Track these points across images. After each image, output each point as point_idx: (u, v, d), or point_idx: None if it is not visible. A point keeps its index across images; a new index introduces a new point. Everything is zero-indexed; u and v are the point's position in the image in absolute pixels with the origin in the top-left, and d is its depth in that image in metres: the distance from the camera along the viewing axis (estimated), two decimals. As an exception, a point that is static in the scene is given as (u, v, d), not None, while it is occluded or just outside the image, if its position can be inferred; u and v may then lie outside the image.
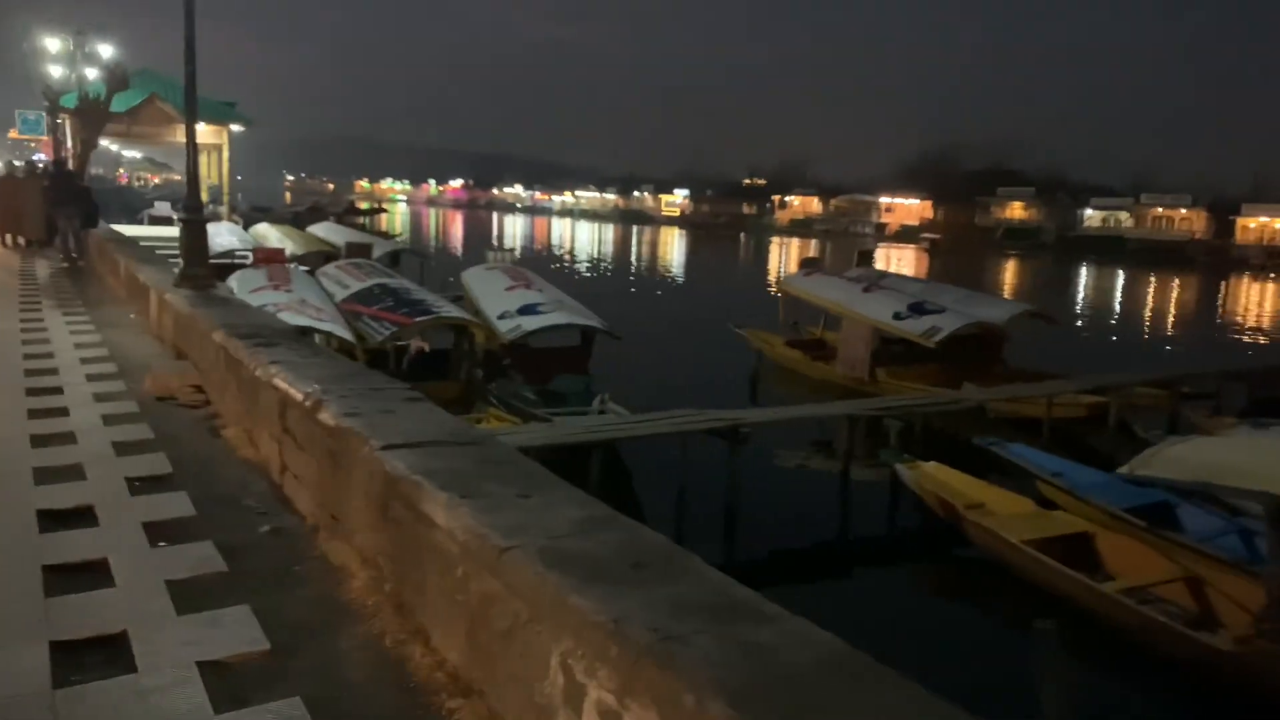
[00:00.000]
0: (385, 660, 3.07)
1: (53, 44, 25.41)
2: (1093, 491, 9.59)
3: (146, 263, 12.31)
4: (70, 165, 24.71)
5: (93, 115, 24.53)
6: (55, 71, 25.87)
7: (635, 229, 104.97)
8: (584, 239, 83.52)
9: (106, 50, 25.40)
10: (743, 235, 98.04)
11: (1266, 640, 6.77)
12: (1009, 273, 59.24)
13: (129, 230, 24.12)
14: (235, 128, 34.41)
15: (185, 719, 2.72)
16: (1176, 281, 56.51)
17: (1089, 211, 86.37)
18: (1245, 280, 59.69)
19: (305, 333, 9.36)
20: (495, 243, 68.79)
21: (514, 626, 2.52)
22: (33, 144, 39.42)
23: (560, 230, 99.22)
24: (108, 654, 3.08)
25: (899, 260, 59.56)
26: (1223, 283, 56.86)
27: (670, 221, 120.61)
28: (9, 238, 20.17)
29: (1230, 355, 25.31)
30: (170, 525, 4.29)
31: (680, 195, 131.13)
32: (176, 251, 11.10)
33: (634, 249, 72.92)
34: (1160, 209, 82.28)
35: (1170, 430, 13.30)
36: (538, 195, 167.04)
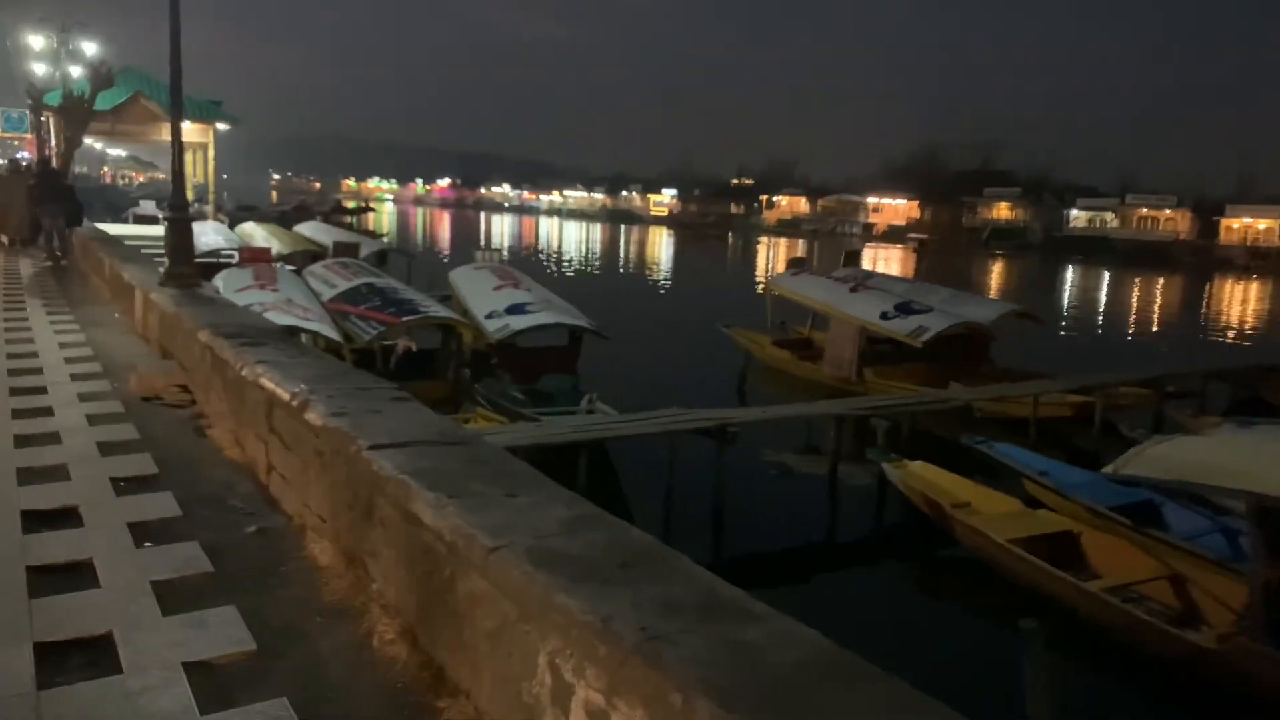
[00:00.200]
0: (372, 660, 3.07)
1: (36, 41, 25.25)
2: (1078, 490, 9.65)
3: (131, 262, 12.24)
4: (54, 163, 24.55)
5: (77, 113, 24.36)
6: (39, 69, 25.70)
7: (623, 229, 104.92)
8: (572, 239, 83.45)
9: (91, 48, 25.26)
10: (730, 235, 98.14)
11: (1248, 637, 6.82)
12: (995, 273, 59.49)
13: (114, 229, 23.99)
14: (221, 126, 34.24)
15: (171, 720, 2.71)
16: (1161, 282, 56.85)
17: (1075, 212, 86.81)
18: (1229, 281, 60.11)
19: (292, 332, 9.34)
20: (483, 242, 68.68)
21: (502, 626, 2.52)
22: (16, 142, 39.14)
23: (548, 230, 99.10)
24: (93, 655, 3.07)
25: (886, 260, 59.75)
26: (1207, 283, 57.24)
27: (658, 221, 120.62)
28: (-7, 236, 20.02)
29: (1214, 355, 25.48)
30: (156, 526, 4.27)
31: (668, 195, 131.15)
32: (162, 250, 11.06)
33: (622, 249, 72.89)
34: (1145, 209, 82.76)
35: (1155, 429, 13.38)
36: (525, 195, 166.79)
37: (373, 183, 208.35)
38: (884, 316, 17.38)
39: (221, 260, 20.34)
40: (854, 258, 24.93)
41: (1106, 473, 8.03)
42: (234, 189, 67.61)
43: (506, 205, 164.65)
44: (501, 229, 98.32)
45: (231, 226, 29.41)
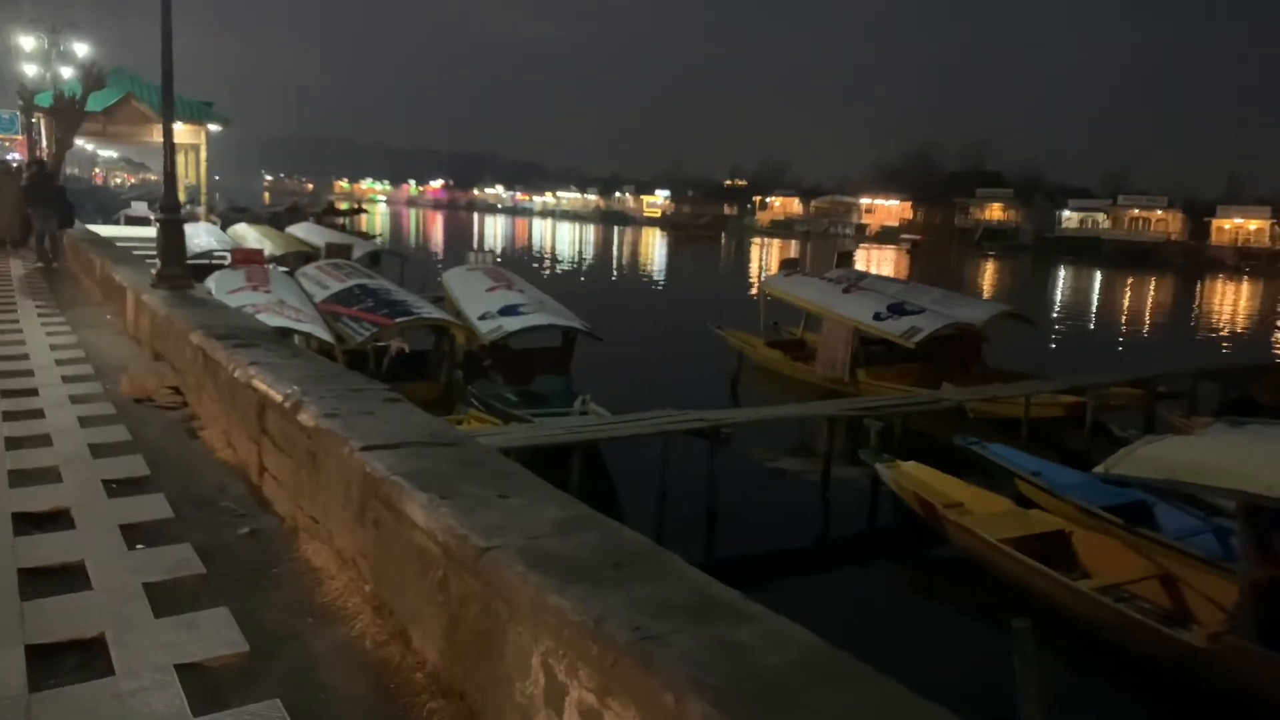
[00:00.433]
0: (365, 662, 3.07)
1: (27, 42, 25.15)
2: (1070, 491, 9.68)
3: (123, 263, 12.21)
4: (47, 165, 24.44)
5: (68, 115, 24.27)
6: (30, 70, 25.61)
7: (616, 230, 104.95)
8: (565, 240, 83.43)
9: (82, 49, 25.18)
10: (723, 236, 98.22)
11: (1238, 636, 6.85)
12: (988, 274, 59.64)
13: (105, 230, 23.90)
14: (213, 127, 34.19)
15: (163, 722, 2.71)
16: (1152, 282, 57.08)
17: (1066, 213, 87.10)
18: (1220, 281, 60.38)
19: (284, 334, 9.31)
20: (476, 243, 68.63)
21: (495, 627, 2.53)
22: (7, 143, 39.00)
23: (541, 231, 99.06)
24: (85, 657, 3.06)
25: (879, 261, 59.87)
26: (1198, 283, 57.48)
27: (651, 222, 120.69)
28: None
29: (1205, 355, 25.58)
30: (148, 527, 4.26)
31: (661, 196, 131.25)
32: (153, 252, 11.02)
33: (615, 250, 72.89)
34: (1137, 210, 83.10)
35: (1146, 430, 13.43)
36: (519, 196, 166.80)
37: (365, 184, 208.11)
38: (877, 317, 17.41)
39: (214, 262, 20.28)
40: (847, 259, 24.97)
41: (1098, 472, 8.05)
42: (226, 190, 67.39)
43: (500, 206, 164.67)
44: (495, 230, 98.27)
45: (224, 228, 29.34)
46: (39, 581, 3.64)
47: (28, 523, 4.27)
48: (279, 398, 4.42)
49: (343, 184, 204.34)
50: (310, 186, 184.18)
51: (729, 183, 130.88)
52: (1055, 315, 36.55)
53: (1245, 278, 62.80)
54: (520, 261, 47.70)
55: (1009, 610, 5.79)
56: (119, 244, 17.50)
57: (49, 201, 17.35)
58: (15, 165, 24.89)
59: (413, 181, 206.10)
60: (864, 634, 5.55)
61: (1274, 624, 6.66)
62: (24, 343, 9.09)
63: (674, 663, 1.96)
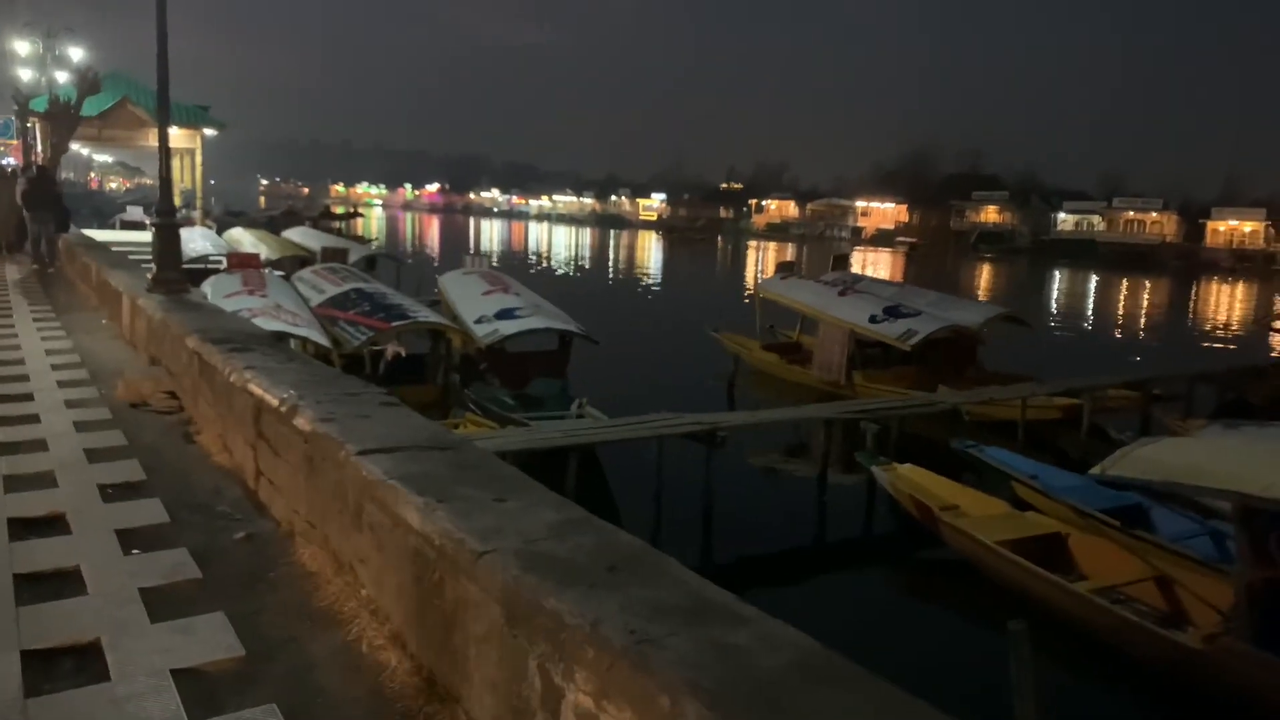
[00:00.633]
0: (361, 666, 3.07)
1: (22, 47, 25.11)
2: (1066, 493, 9.69)
3: (118, 268, 12.19)
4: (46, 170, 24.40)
5: (63, 119, 24.23)
6: (25, 75, 25.57)
7: (612, 233, 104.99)
8: (561, 243, 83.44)
9: (77, 53, 25.14)
10: (719, 239, 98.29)
11: (1234, 638, 6.86)
12: (984, 276, 59.72)
13: (101, 235, 23.89)
14: (208, 131, 34.12)
15: (159, 727, 2.71)
16: (1148, 284, 57.19)
17: (1062, 215, 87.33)
18: (1215, 283, 60.53)
19: (280, 338, 9.31)
20: (472, 247, 68.62)
21: (491, 630, 2.53)
22: (2, 148, 38.98)
23: (537, 235, 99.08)
24: (80, 662, 3.06)
25: (875, 264, 59.96)
26: (1193, 285, 57.62)
27: (647, 226, 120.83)
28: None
29: (1201, 357, 25.63)
30: (143, 532, 4.26)
31: (657, 199, 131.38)
32: (149, 256, 11.01)
33: (611, 253, 72.92)
34: (1132, 213, 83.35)
35: (1142, 432, 13.45)
36: (514, 199, 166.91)
37: (361, 187, 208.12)
38: (872, 320, 17.42)
39: (209, 266, 20.27)
40: (842, 261, 25.00)
41: (1094, 474, 8.06)
42: (222, 194, 67.38)
43: (495, 210, 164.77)
44: (490, 234, 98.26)
45: (219, 232, 29.31)
46: (35, 586, 3.63)
47: (23, 527, 4.26)
48: (275, 402, 4.42)
49: (339, 188, 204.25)
50: (306, 191, 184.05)
51: (725, 186, 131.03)
52: (1051, 318, 36.61)
53: (1240, 279, 62.97)
54: (516, 265, 47.71)
55: (1005, 613, 5.80)
56: (114, 248, 17.48)
57: (48, 205, 17.32)
58: (10, 170, 24.84)
59: (409, 185, 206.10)
60: (860, 636, 5.55)
61: (1269, 626, 6.68)
62: (20, 347, 9.07)
63: (670, 666, 1.97)
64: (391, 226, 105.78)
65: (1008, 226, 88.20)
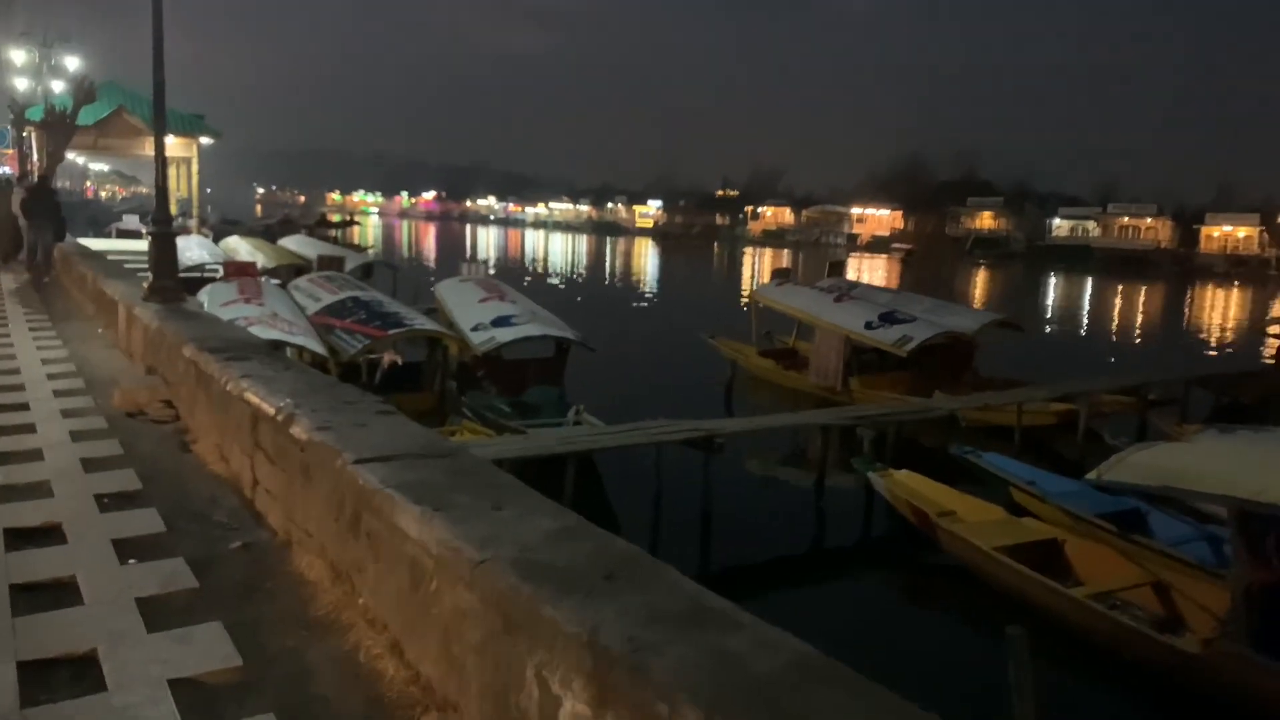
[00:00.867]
0: (359, 675, 3.06)
1: (18, 56, 25.13)
2: (1063, 498, 9.71)
3: (115, 277, 12.17)
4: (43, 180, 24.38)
5: (59, 128, 24.21)
6: (21, 84, 25.58)
7: (608, 240, 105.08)
8: (557, 251, 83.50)
9: (73, 62, 25.16)
10: (715, 246, 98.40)
11: (1231, 642, 6.87)
12: (979, 282, 59.84)
13: (97, 244, 23.85)
14: (205, 140, 34.11)
15: (156, 737, 2.70)
16: (1143, 289, 57.33)
17: (1057, 221, 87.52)
18: (1209, 288, 60.68)
19: (277, 346, 9.31)
20: (469, 255, 68.63)
21: (488, 638, 2.53)
22: (-3, 157, 38.90)
23: (534, 242, 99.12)
24: (77, 673, 3.05)
25: (871, 270, 60.05)
26: (1188, 290, 57.77)
27: (643, 233, 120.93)
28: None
29: (1196, 362, 25.68)
30: (140, 542, 4.25)
31: (653, 206, 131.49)
32: (145, 265, 11.00)
33: (607, 260, 72.97)
34: (1127, 218, 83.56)
35: (1138, 437, 13.48)
36: (511, 207, 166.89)
37: (358, 196, 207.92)
38: (868, 326, 17.46)
39: (206, 275, 20.25)
40: (838, 268, 25.06)
41: (1090, 479, 8.08)
42: (218, 203, 67.23)
43: (492, 218, 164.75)
44: (487, 241, 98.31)
45: (216, 241, 29.31)
46: (31, 597, 3.62)
47: (19, 538, 4.25)
48: (272, 411, 4.42)
49: (335, 196, 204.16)
50: (302, 199, 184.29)
51: (721, 193, 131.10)
52: (1047, 323, 36.67)
53: (1235, 284, 63.14)
54: (513, 272, 47.72)
55: (1003, 618, 5.81)
56: (110, 257, 17.46)
57: (47, 215, 17.31)
58: (6, 179, 24.83)
59: (405, 193, 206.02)
60: (858, 642, 5.55)
61: (1266, 630, 6.69)
62: (15, 356, 9.05)
63: (668, 672, 1.97)
64: (388, 234, 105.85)
65: (1003, 232, 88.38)
